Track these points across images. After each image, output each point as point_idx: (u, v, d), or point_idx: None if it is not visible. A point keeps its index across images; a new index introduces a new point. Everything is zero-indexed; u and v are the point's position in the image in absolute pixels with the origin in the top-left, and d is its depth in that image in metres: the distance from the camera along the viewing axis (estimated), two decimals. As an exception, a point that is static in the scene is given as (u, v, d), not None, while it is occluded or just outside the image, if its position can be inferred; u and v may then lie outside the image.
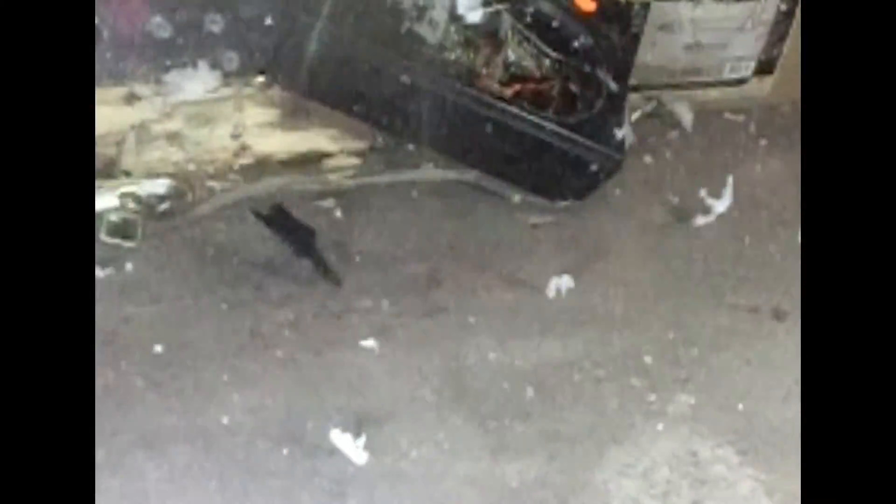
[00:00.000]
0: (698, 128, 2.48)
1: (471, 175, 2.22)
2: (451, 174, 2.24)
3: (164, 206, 2.12)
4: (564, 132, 2.12)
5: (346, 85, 2.10)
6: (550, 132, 2.12)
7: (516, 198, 2.21)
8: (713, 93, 2.60)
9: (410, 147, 2.21)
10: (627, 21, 2.38)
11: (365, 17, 2.10)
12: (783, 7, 2.52)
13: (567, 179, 2.17)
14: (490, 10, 2.19)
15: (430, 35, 2.14)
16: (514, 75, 2.18)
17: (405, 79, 2.06)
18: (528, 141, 2.12)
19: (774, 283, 2.05)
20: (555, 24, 2.26)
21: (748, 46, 2.56)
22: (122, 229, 2.04)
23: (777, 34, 2.57)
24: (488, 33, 2.21)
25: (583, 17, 2.28)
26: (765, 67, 2.61)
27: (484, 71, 2.17)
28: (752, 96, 2.63)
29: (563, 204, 2.20)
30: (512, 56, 2.21)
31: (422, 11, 2.15)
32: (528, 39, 2.23)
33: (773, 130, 2.54)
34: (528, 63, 2.22)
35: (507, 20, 2.22)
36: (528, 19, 2.24)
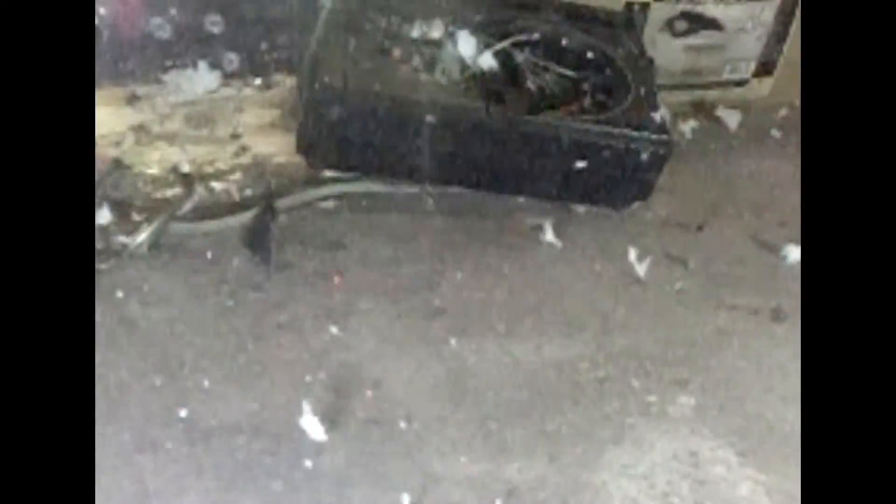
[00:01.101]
0: (699, 128, 2.49)
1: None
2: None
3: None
4: (604, 129, 2.13)
5: (381, 149, 2.09)
6: (591, 133, 2.12)
7: (581, 210, 2.23)
8: (713, 93, 2.61)
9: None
10: (628, 17, 2.40)
11: (378, 78, 2.10)
12: (783, 8, 2.53)
13: (623, 178, 2.17)
14: (495, 49, 2.21)
15: (447, 81, 2.15)
16: (540, 105, 2.19)
17: (430, 119, 2.05)
18: (574, 150, 2.12)
19: (774, 285, 2.06)
20: (564, 42, 2.28)
21: (748, 47, 2.56)
22: (156, 241, 2.06)
23: (777, 35, 2.57)
24: (505, 72, 2.22)
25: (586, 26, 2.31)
26: (765, 68, 2.61)
27: (512, 105, 2.17)
28: (751, 97, 2.63)
29: (629, 208, 2.22)
30: (534, 88, 2.22)
31: (431, 63, 2.17)
32: (545, 68, 2.24)
33: (774, 131, 2.55)
34: (553, 88, 2.23)
35: (518, 55, 2.24)
36: (539, 49, 2.26)
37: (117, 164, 2.17)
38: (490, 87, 2.16)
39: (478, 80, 2.17)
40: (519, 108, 2.13)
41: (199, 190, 2.18)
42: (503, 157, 2.12)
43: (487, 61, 2.19)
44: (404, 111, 2.06)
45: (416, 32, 2.19)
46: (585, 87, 2.23)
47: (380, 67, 2.12)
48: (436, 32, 2.20)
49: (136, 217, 2.07)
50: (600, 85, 2.23)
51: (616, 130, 2.13)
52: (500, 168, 2.14)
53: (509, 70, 2.21)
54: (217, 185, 2.22)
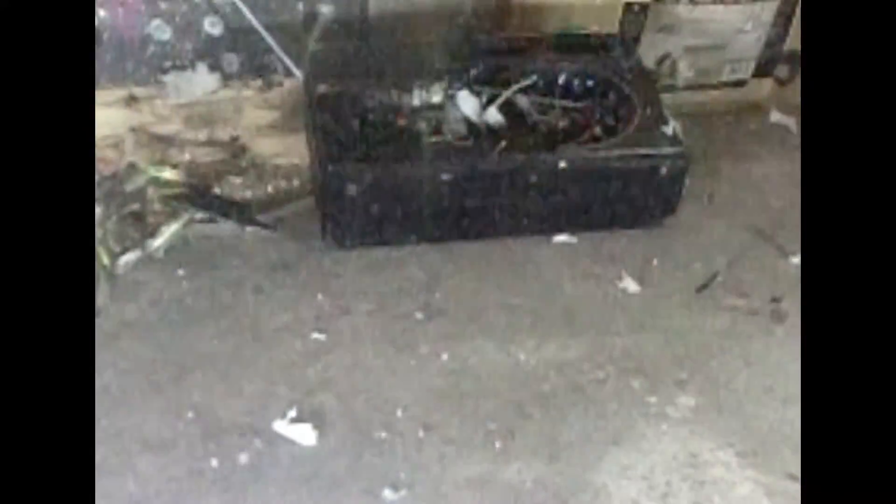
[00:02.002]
0: (698, 129, 2.48)
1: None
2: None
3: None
4: (620, 153, 2.14)
5: (404, 216, 2.09)
6: (607, 159, 2.14)
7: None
8: (713, 94, 2.61)
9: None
10: (616, 39, 2.41)
11: (388, 147, 2.12)
12: (783, 8, 2.53)
13: (647, 196, 2.18)
14: (498, 103, 2.24)
15: (456, 137, 2.18)
16: (552, 142, 2.19)
17: (446, 177, 2.06)
18: (593, 179, 2.14)
19: (774, 285, 2.06)
20: (562, 78, 2.29)
21: (748, 48, 2.56)
22: (174, 244, 2.07)
23: (776, 36, 2.57)
24: (512, 120, 2.24)
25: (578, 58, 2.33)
26: (764, 69, 2.61)
27: (524, 148, 2.18)
28: (751, 98, 2.63)
29: (659, 223, 2.23)
30: (543, 128, 2.23)
31: (437, 126, 2.18)
32: (550, 105, 2.26)
33: (773, 131, 2.55)
34: (561, 124, 2.24)
35: (521, 100, 2.26)
36: (540, 89, 2.28)
37: (132, 167, 2.18)
38: (499, 136, 2.18)
39: (486, 132, 2.19)
40: (531, 149, 2.15)
41: (218, 193, 2.18)
42: (524, 200, 2.13)
43: (493, 116, 2.22)
44: (419, 172, 2.07)
45: (416, 101, 2.21)
46: (593, 115, 2.24)
47: (387, 137, 2.14)
48: (436, 97, 2.23)
49: (151, 220, 2.08)
50: (607, 109, 2.25)
51: (631, 152, 2.15)
52: (523, 212, 2.15)
53: (515, 116, 2.23)
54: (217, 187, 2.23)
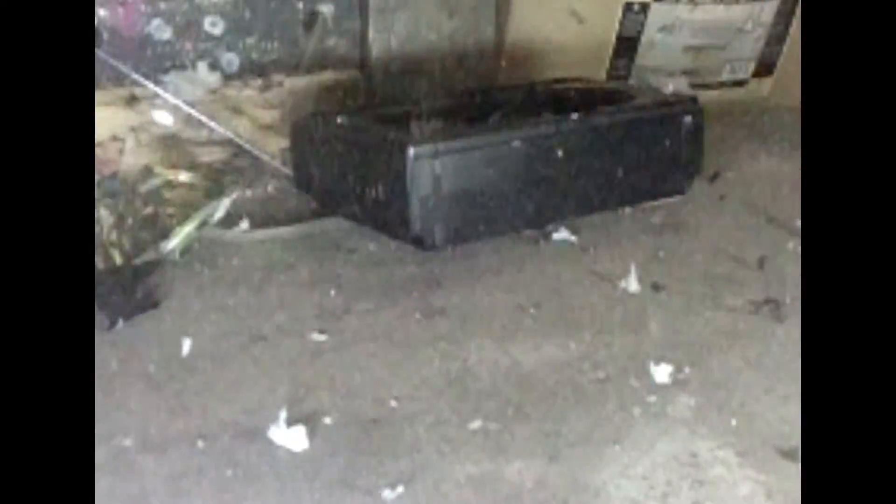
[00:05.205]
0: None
1: None
2: None
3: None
4: (646, 113, 2.22)
5: (484, 190, 2.11)
6: (639, 112, 2.22)
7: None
8: (712, 94, 2.61)
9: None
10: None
11: (455, 125, 2.20)
12: (783, 8, 2.53)
13: (679, 153, 2.23)
14: (501, 114, 2.32)
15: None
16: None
17: (517, 144, 2.10)
18: (635, 133, 2.20)
19: (774, 284, 2.06)
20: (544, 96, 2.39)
21: (748, 47, 2.56)
22: (189, 246, 2.08)
23: (776, 35, 2.57)
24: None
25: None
26: (764, 69, 2.62)
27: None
28: (751, 97, 2.64)
29: (690, 184, 2.30)
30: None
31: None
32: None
33: (773, 131, 2.55)
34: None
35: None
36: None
37: (147, 170, 2.19)
38: None
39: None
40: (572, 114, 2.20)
41: (233, 196, 2.19)
42: (581, 169, 2.17)
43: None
44: (490, 137, 2.11)
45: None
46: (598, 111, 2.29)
47: (450, 124, 2.21)
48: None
49: (166, 223, 2.09)
50: (603, 100, 2.28)
51: (655, 111, 2.22)
52: (578, 186, 2.19)
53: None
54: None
